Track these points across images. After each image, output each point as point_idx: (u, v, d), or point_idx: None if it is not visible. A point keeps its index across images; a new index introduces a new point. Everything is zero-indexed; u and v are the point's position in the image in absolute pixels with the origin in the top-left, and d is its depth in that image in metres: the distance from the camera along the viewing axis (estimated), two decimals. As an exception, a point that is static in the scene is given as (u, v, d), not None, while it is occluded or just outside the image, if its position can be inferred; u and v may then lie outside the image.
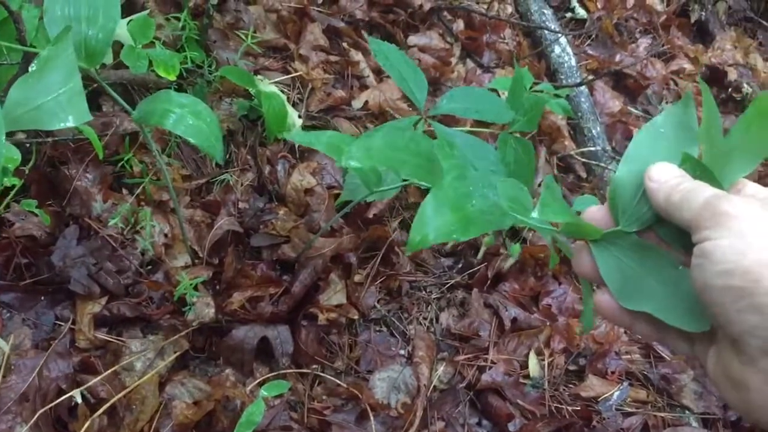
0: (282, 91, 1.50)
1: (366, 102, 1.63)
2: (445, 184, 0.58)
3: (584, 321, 0.72)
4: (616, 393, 1.37)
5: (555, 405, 1.33)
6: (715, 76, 2.29)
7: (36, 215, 1.14)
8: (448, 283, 1.45)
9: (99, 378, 1.05)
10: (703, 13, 2.45)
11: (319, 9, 1.75)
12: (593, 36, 2.21)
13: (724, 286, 0.39)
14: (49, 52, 0.71)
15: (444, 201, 0.56)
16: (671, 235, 0.48)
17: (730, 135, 0.48)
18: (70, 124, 0.70)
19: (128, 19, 1.24)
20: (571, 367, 1.41)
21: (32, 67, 0.72)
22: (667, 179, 0.46)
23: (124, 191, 1.28)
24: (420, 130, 1.15)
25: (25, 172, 1.13)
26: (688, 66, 2.28)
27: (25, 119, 0.68)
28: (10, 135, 1.06)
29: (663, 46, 2.30)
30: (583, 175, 1.82)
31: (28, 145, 1.15)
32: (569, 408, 1.33)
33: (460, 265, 1.50)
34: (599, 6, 2.27)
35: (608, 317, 0.49)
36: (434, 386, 1.30)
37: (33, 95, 0.68)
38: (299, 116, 1.49)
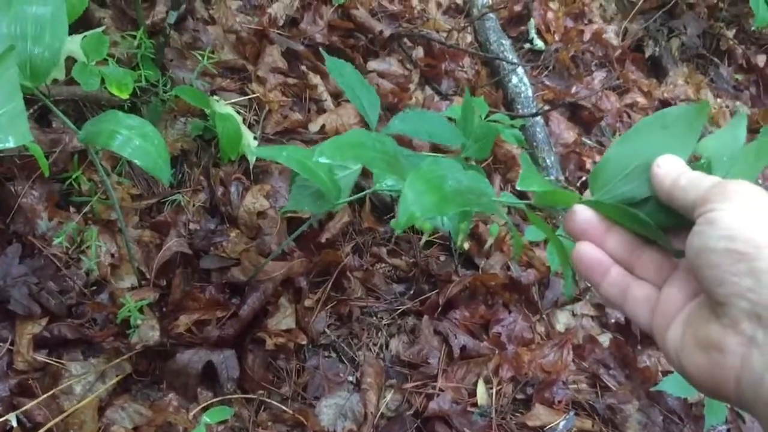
0: (238, 113, 1.50)
1: (323, 126, 1.63)
2: (422, 168, 0.63)
3: (566, 289, 0.77)
4: (562, 422, 1.38)
5: (502, 434, 1.33)
6: (667, 111, 2.34)
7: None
8: (399, 309, 1.45)
9: (36, 401, 1.02)
10: (657, 49, 2.52)
11: (278, 31, 1.76)
12: (550, 67, 2.25)
13: (726, 249, 0.42)
14: (-10, 71, 0.70)
15: (423, 182, 0.61)
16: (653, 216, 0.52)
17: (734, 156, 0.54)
18: (10, 145, 0.69)
19: (83, 35, 1.23)
20: (519, 396, 1.42)
21: (-28, 86, 0.70)
22: (675, 168, 0.50)
23: (72, 209, 1.26)
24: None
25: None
26: (641, 100, 2.33)
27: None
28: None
29: (618, 79, 2.36)
30: (537, 204, 1.84)
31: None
32: (516, 437, 1.34)
33: (411, 291, 1.50)
34: (557, 38, 2.32)
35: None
36: (381, 413, 1.29)
37: (-29, 114, 0.67)
38: (255, 138, 1.49)
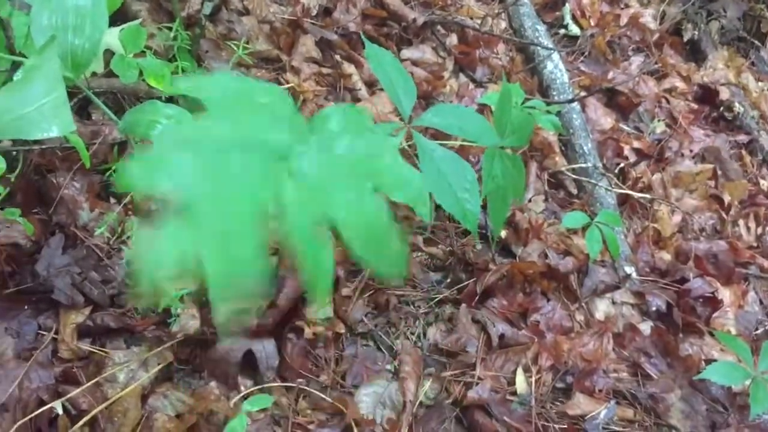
0: (273, 103, 1.50)
1: (357, 115, 1.62)
2: None
3: None
4: (603, 411, 1.36)
5: (542, 423, 1.32)
6: (707, 95, 2.30)
7: (20, 223, 1.13)
8: (436, 297, 1.45)
9: (81, 389, 1.04)
10: (696, 32, 2.47)
11: (312, 21, 1.75)
12: (586, 53, 2.22)
13: None
14: (33, 62, 0.71)
15: None
16: None
17: None
18: (54, 134, 0.70)
19: (120, 27, 1.24)
20: (559, 385, 1.40)
21: (17, 76, 0.71)
22: None
23: (112, 200, 1.27)
24: (400, 138, 1.15)
25: (11, 180, 1.13)
26: (680, 84, 2.29)
27: (8, 128, 0.67)
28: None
29: (655, 64, 2.31)
30: (574, 191, 1.82)
31: (14, 152, 1.15)
32: (556, 426, 1.32)
33: (448, 280, 1.49)
34: (592, 23, 2.28)
35: None
36: (420, 402, 1.29)
37: (17, 104, 0.68)
38: (290, 128, 1.49)
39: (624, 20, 2.35)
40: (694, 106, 2.25)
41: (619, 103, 2.12)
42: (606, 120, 2.03)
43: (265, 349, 1.21)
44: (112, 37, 1.25)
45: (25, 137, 0.70)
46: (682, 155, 2.06)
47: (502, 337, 1.41)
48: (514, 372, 1.38)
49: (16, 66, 1.01)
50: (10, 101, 0.67)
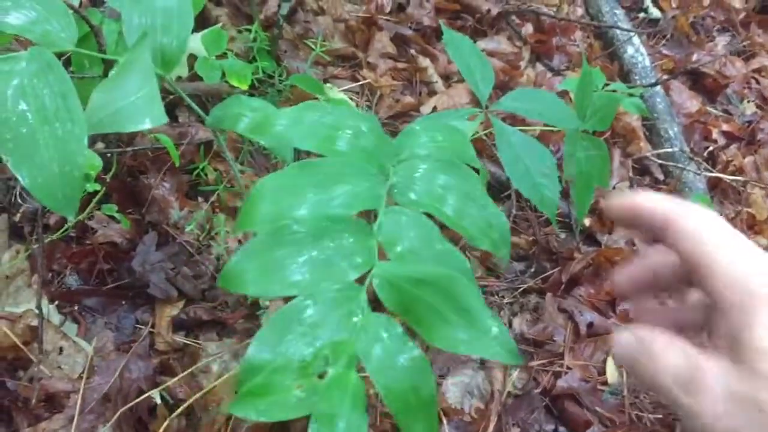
0: (351, 99, 1.52)
1: (434, 107, 1.63)
2: None
3: None
4: (700, 401, 1.31)
5: (635, 413, 1.28)
6: (800, 73, 2.19)
7: (117, 222, 1.18)
8: (520, 287, 1.43)
9: (177, 379, 1.08)
10: (786, 8, 2.35)
11: (386, 17, 1.77)
12: (668, 35, 2.15)
13: None
14: (127, 57, 0.74)
15: None
16: None
17: None
18: (147, 126, 0.72)
19: (202, 33, 1.28)
20: (652, 374, 1.36)
21: (112, 73, 0.75)
22: None
23: (200, 198, 1.31)
24: (477, 122, 1.14)
25: (107, 181, 1.18)
26: (770, 63, 2.19)
27: (105, 122, 0.70)
28: (91, 140, 1.10)
29: (742, 43, 2.22)
30: (660, 177, 1.76)
31: (109, 155, 1.20)
32: (650, 416, 1.28)
33: (532, 270, 1.47)
34: (673, 5, 2.21)
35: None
36: (508, 392, 1.27)
37: (112, 99, 0.71)
38: (368, 123, 1.50)
39: (707, 0, 2.27)
40: (787, 85, 2.15)
41: (705, 85, 2.05)
42: (692, 103, 1.96)
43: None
44: (195, 42, 1.29)
45: (119, 130, 0.73)
46: (776, 136, 1.97)
47: (590, 325, 1.38)
48: (604, 361, 1.35)
49: (107, 71, 1.06)
50: (107, 97, 0.70)
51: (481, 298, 0.54)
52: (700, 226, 0.39)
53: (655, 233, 0.41)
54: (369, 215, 0.62)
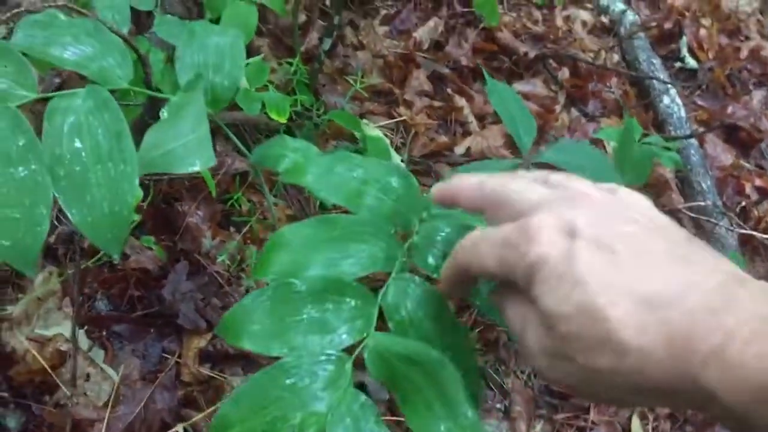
0: (386, 135, 1.52)
1: (468, 148, 1.62)
2: None
3: None
4: (726, 465, 1.29)
5: (659, 473, 1.26)
6: (835, 131, 2.17)
7: (150, 248, 1.18)
8: (547, 336, 1.41)
9: (202, 415, 1.07)
10: (823, 65, 2.34)
11: (424, 55, 1.77)
12: (703, 86, 2.14)
13: None
14: (181, 99, 0.74)
15: None
16: None
17: None
18: (196, 168, 0.72)
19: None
20: (677, 434, 1.34)
21: (164, 114, 0.75)
22: None
23: (232, 228, 1.31)
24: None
25: (143, 208, 1.18)
26: (805, 120, 2.17)
27: (157, 163, 0.70)
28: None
29: (779, 98, 2.20)
30: (692, 231, 1.75)
31: (147, 182, 1.20)
32: (674, 477, 1.26)
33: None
34: (710, 56, 2.20)
35: None
36: (531, 444, 1.25)
37: (165, 140, 0.71)
38: (402, 161, 1.50)
39: (744, 53, 2.26)
40: (822, 142, 2.12)
41: (739, 138, 2.03)
42: (726, 156, 1.94)
43: (376, 381, 1.20)
44: (237, 72, 1.30)
45: (170, 171, 0.73)
46: (810, 195, 1.94)
47: (616, 380, 1.35)
48: (629, 418, 1.33)
49: (152, 99, 1.06)
50: (160, 137, 0.70)
51: (464, 389, 0.52)
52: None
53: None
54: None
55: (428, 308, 0.58)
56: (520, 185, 0.45)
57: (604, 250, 0.37)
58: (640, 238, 0.38)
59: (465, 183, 0.49)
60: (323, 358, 0.52)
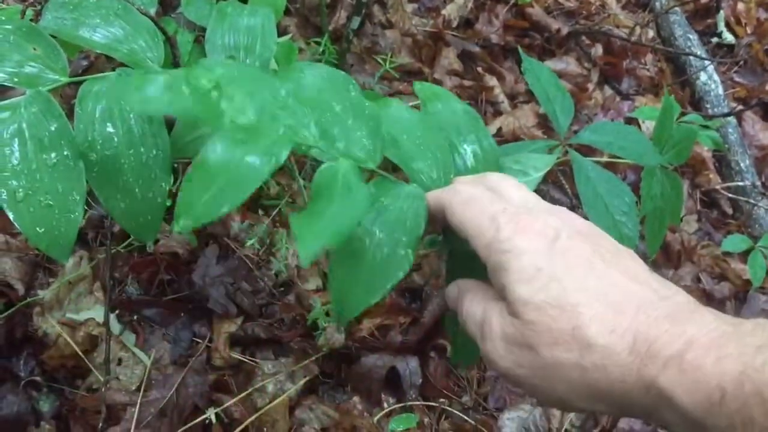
0: (416, 116, 1.49)
1: (500, 128, 1.59)
2: None
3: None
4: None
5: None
6: None
7: (180, 233, 1.17)
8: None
9: (234, 400, 1.06)
10: None
11: (454, 33, 1.74)
12: (741, 62, 2.08)
13: None
14: (213, 82, 0.72)
15: None
16: None
17: None
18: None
19: (272, 43, 1.27)
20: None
21: (196, 96, 0.73)
22: None
23: (261, 212, 1.30)
24: (556, 155, 1.10)
25: (172, 191, 1.17)
26: None
27: (189, 148, 0.69)
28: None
29: (819, 74, 2.13)
30: (729, 211, 1.70)
31: (176, 165, 1.19)
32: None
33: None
34: (748, 31, 2.13)
35: None
36: (566, 429, 1.23)
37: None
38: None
39: (784, 27, 2.19)
40: None
41: (778, 116, 1.98)
42: (765, 135, 1.89)
43: (409, 366, 1.19)
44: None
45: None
46: None
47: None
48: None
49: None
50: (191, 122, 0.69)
51: None
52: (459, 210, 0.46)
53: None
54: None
55: None
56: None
57: (582, 257, 0.40)
58: (615, 254, 0.42)
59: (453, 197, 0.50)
60: None
